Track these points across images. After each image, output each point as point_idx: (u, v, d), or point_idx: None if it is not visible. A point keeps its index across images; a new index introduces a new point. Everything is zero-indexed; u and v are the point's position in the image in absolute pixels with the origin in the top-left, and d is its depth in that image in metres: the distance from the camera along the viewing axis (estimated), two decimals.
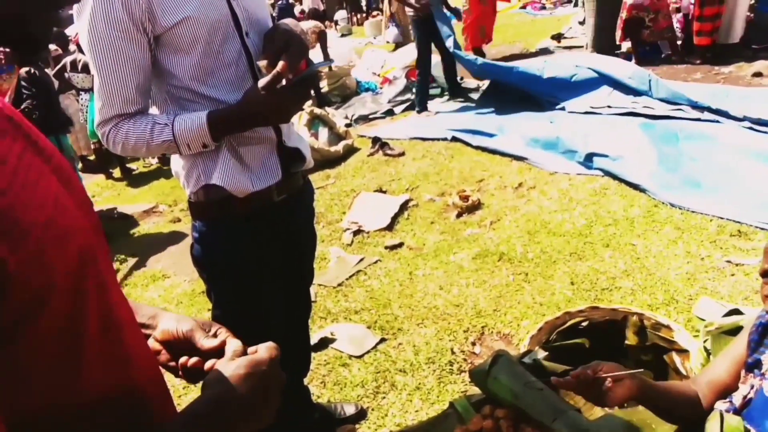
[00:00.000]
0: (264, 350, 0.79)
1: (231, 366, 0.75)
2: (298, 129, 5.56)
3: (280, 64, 1.37)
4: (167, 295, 3.53)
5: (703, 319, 2.29)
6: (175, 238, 4.53)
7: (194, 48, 1.42)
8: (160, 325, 0.90)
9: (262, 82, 1.38)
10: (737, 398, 1.35)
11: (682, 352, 1.90)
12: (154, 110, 1.54)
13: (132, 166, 7.12)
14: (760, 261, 1.22)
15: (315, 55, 7.33)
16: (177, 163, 1.61)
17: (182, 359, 0.84)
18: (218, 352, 0.84)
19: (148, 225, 5.04)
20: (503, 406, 1.53)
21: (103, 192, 6.58)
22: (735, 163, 3.64)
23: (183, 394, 2.52)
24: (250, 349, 0.81)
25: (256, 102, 1.40)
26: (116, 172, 6.97)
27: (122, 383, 0.71)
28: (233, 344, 0.82)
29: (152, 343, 0.89)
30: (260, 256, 1.64)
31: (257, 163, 1.58)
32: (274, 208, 1.64)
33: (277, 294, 1.74)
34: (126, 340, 0.74)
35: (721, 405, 1.40)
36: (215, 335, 0.91)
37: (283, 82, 1.40)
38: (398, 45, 9.69)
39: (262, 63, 1.51)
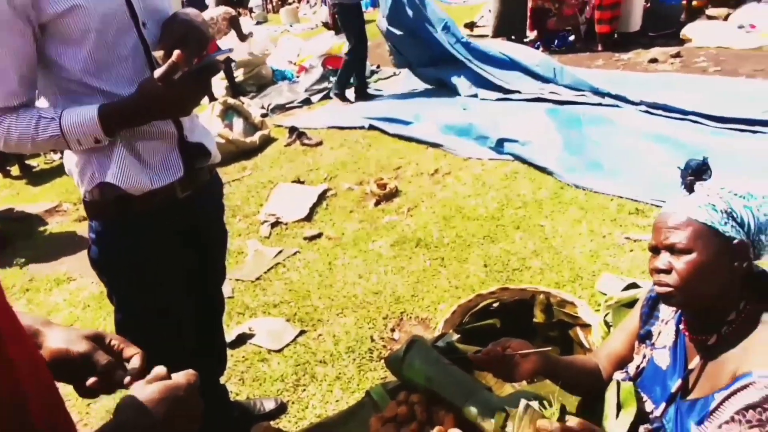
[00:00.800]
0: (182, 376, 0.78)
1: (146, 390, 0.74)
2: (211, 120, 5.38)
3: (176, 53, 1.31)
4: (73, 299, 3.34)
5: (605, 294, 2.42)
6: (81, 238, 4.29)
7: (85, 39, 1.33)
8: (48, 345, 0.86)
9: (157, 73, 1.31)
10: (632, 368, 1.44)
11: (585, 326, 2.00)
12: (44, 104, 1.44)
13: (32, 162, 6.65)
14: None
15: (230, 41, 7.11)
16: (70, 160, 1.51)
17: (89, 382, 0.83)
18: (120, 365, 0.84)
19: (51, 225, 4.74)
20: (418, 391, 1.56)
21: (1, 191, 6.12)
22: (633, 145, 3.87)
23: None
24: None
25: (151, 94, 1.33)
26: (14, 170, 6.49)
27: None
28: (156, 369, 0.80)
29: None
30: (164, 256, 1.58)
31: (157, 159, 1.50)
32: (177, 205, 1.57)
33: (186, 295, 1.68)
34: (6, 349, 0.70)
35: (618, 375, 1.49)
36: (112, 347, 0.89)
37: (181, 72, 1.34)
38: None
39: (158, 54, 1.44)
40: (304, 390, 2.40)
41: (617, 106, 4.53)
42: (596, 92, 4.76)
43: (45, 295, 3.47)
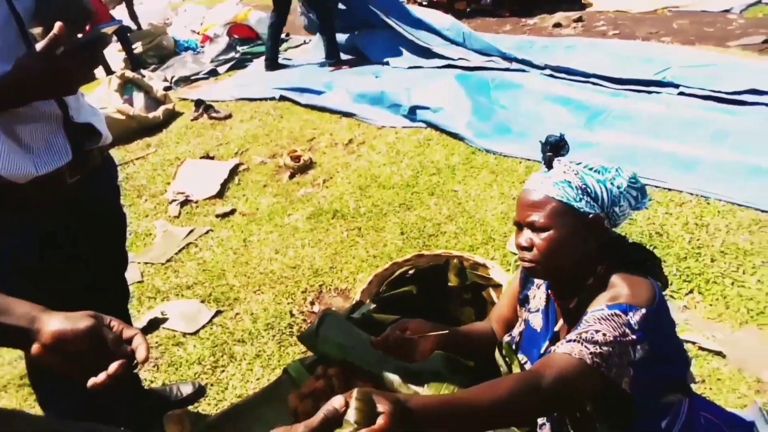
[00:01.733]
0: None
1: None
2: (109, 95, 5.04)
3: (57, 25, 1.18)
4: None
5: (515, 254, 2.50)
6: None
7: None
8: (49, 328, 0.88)
9: (38, 47, 1.18)
10: (516, 332, 1.50)
11: (498, 286, 2.06)
12: None
13: None
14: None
15: (120, 14, 6.66)
16: None
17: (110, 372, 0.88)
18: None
19: None
20: (335, 365, 1.55)
21: None
22: (539, 108, 3.98)
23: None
24: None
25: (31, 71, 1.20)
26: None
27: None
28: None
29: (35, 350, 0.87)
30: (58, 244, 1.45)
31: (40, 142, 1.37)
32: (68, 192, 1.45)
33: (86, 283, 1.57)
34: None
35: (506, 339, 1.54)
36: (111, 327, 0.94)
37: (63, 48, 1.21)
38: None
39: (36, 30, 1.30)
40: (223, 371, 2.33)
41: (524, 70, 4.64)
42: (504, 57, 4.85)
43: None
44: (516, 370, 1.42)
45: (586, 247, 1.24)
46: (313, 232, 3.20)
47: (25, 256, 1.39)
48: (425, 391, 1.35)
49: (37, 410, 2.18)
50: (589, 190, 1.20)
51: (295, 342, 2.43)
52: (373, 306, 1.78)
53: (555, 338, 1.33)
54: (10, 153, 1.31)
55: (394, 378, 1.41)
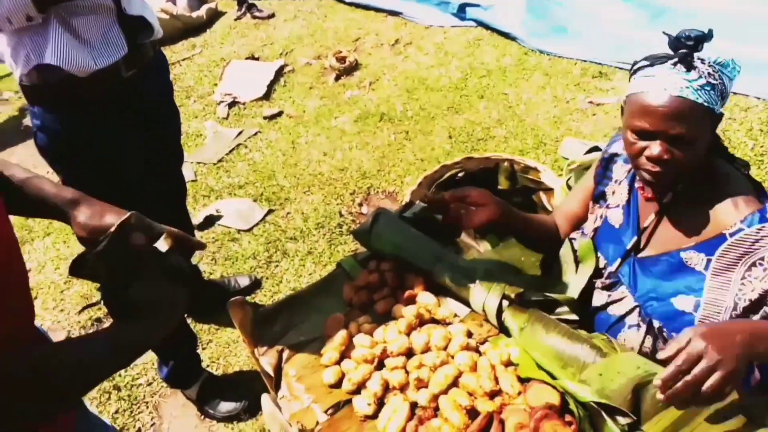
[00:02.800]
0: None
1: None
2: None
3: None
4: None
5: (567, 159, 2.46)
6: (28, 127, 4.08)
7: None
8: (77, 219, 0.91)
9: None
10: (588, 228, 1.48)
11: (548, 190, 2.05)
12: None
13: None
14: (620, 102, 1.27)
15: None
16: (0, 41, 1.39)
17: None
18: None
19: None
20: (388, 260, 1.60)
21: None
22: (597, 7, 3.75)
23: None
24: None
25: None
26: None
27: None
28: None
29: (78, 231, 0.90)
30: (117, 140, 1.51)
31: (96, 36, 1.39)
32: (124, 86, 1.48)
33: (144, 178, 1.63)
34: None
35: (574, 235, 1.54)
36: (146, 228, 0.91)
37: None
38: None
39: None
40: (277, 266, 2.45)
41: None
42: None
43: None
44: (587, 269, 1.43)
45: (709, 146, 1.18)
46: (360, 135, 3.20)
47: (86, 141, 1.45)
48: (475, 287, 1.39)
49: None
50: (723, 89, 1.13)
51: (344, 240, 2.51)
52: (423, 206, 1.80)
53: (641, 234, 1.32)
54: (70, 47, 1.34)
55: (445, 274, 1.45)
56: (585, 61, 3.27)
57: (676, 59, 1.13)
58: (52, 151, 1.47)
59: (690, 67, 1.12)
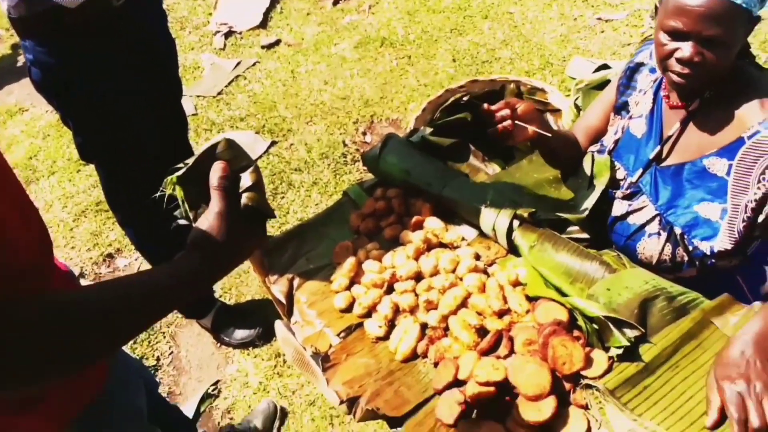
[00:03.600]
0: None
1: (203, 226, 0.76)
2: None
3: None
4: (30, 130, 3.21)
5: (575, 78, 2.40)
6: (23, 66, 3.99)
7: None
8: None
9: None
10: (608, 140, 1.46)
11: (556, 111, 2.01)
12: None
13: None
14: (655, 16, 1.21)
15: None
16: None
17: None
18: None
19: None
20: (395, 186, 1.59)
21: None
22: None
23: None
24: None
25: None
26: None
27: None
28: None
29: None
30: (112, 71, 1.47)
31: None
32: (114, 15, 1.42)
33: (145, 111, 1.60)
34: None
35: (593, 148, 1.52)
36: None
37: None
38: None
39: None
40: (283, 197, 2.45)
41: None
42: None
43: (0, 129, 3.32)
44: (599, 186, 1.42)
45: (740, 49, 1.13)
46: (362, 62, 3.12)
47: (81, 72, 1.42)
48: (485, 209, 1.39)
49: (117, 230, 2.38)
50: None
51: (349, 170, 2.50)
52: (429, 130, 1.77)
53: (664, 143, 1.30)
54: None
55: (454, 196, 1.44)
56: None
57: None
58: (47, 86, 1.44)
59: None
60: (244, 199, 0.81)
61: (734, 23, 1.06)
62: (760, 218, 1.16)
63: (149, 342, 2.05)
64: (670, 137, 1.29)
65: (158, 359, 2.01)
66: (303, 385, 1.80)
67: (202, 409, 1.85)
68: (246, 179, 0.82)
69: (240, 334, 1.95)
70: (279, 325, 1.46)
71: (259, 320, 1.95)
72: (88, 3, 1.34)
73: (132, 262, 2.35)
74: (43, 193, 2.76)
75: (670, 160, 1.31)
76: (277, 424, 1.73)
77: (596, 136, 1.50)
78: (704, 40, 1.08)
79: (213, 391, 1.89)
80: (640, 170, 1.35)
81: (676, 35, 1.12)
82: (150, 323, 0.76)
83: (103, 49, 1.41)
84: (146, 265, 2.21)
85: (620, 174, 1.43)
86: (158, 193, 0.78)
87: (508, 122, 1.32)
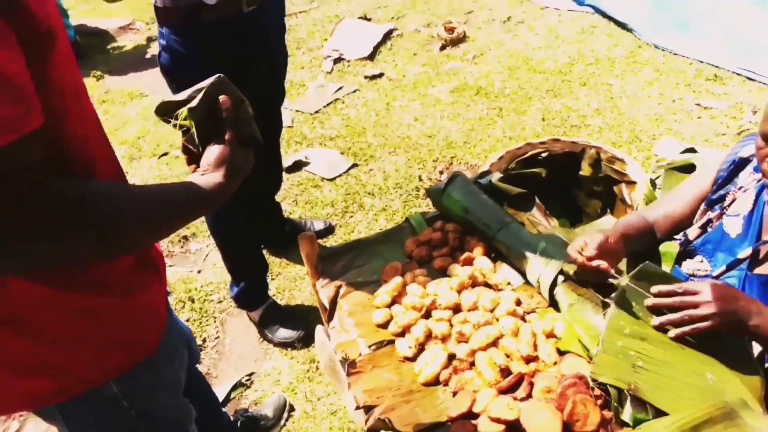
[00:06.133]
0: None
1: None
2: None
3: None
4: (145, 113, 3.53)
5: (660, 156, 2.38)
6: (154, 57, 4.41)
7: None
8: None
9: None
10: (693, 233, 1.40)
11: (631, 183, 2.00)
12: None
13: None
14: (760, 116, 1.20)
15: None
16: None
17: None
18: None
19: (123, 42, 4.86)
20: (454, 222, 1.65)
21: (77, 5, 6.22)
22: (723, 7, 3.51)
23: None
24: None
25: None
26: None
27: None
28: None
29: None
30: (230, 66, 1.63)
31: None
32: (243, 19, 1.60)
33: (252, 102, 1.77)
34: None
35: (678, 238, 1.47)
36: None
37: None
38: None
39: None
40: (352, 216, 2.56)
41: None
42: None
43: (120, 108, 3.67)
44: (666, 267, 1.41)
45: None
46: (454, 106, 3.23)
47: (205, 61, 1.59)
48: (534, 258, 1.41)
49: None
50: None
51: (419, 204, 2.58)
52: (499, 176, 1.83)
53: (759, 248, 1.26)
54: None
55: (506, 240, 1.48)
56: (702, 62, 3.10)
57: None
58: (172, 69, 1.63)
59: None
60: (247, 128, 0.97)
61: None
62: None
63: (200, 323, 2.18)
64: (765, 242, 1.25)
65: (204, 340, 2.13)
66: (329, 394, 1.85)
67: (232, 395, 1.94)
68: (246, 110, 0.98)
69: (283, 333, 2.04)
70: (319, 330, 1.54)
71: (303, 325, 2.04)
72: (223, 3, 1.52)
73: (203, 247, 2.52)
74: (142, 171, 3.01)
75: (764, 269, 1.26)
76: (285, 416, 1.82)
77: (679, 223, 1.44)
78: None
79: (246, 381, 1.98)
80: (725, 267, 1.30)
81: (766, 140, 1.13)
82: (181, 224, 0.88)
83: (228, 45, 1.60)
84: (216, 253, 2.36)
85: (702, 266, 1.37)
86: (172, 123, 0.91)
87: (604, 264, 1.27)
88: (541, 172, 2.11)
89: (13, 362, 0.86)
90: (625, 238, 1.35)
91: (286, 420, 1.83)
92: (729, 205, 1.34)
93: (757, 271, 1.26)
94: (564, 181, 2.09)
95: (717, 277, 1.31)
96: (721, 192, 1.37)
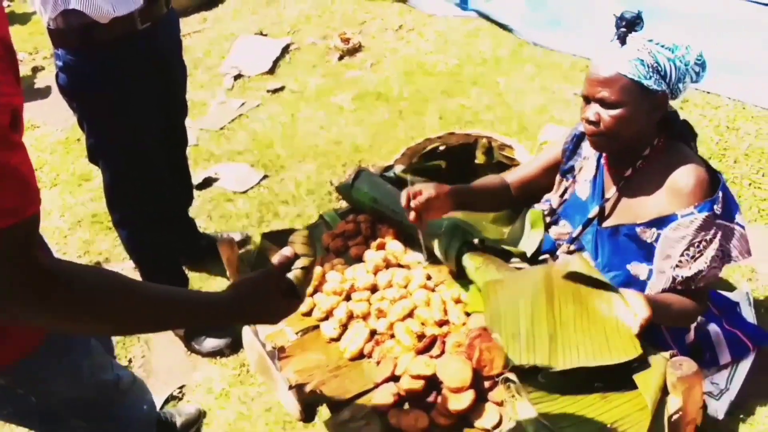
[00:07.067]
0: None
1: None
2: None
3: None
4: (39, 145, 3.40)
5: (546, 143, 2.63)
6: (41, 87, 4.24)
7: None
8: None
9: None
10: (554, 200, 1.64)
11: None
12: None
13: None
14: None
15: None
16: None
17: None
18: None
19: None
20: (364, 213, 1.77)
21: None
22: (595, 3, 3.87)
23: None
24: None
25: None
26: None
27: None
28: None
29: None
30: (129, 85, 1.68)
31: None
32: (138, 37, 1.65)
33: (153, 122, 1.81)
34: None
35: (540, 206, 1.70)
36: None
37: None
38: None
39: None
40: (268, 226, 2.62)
41: None
42: None
43: None
44: (537, 235, 1.61)
45: (649, 121, 1.33)
46: (357, 112, 3.37)
47: (103, 80, 1.63)
48: (442, 234, 1.55)
49: (108, 240, 2.54)
50: (659, 68, 1.25)
51: (333, 207, 2.68)
52: (402, 168, 1.97)
53: (604, 204, 1.47)
54: None
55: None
56: (575, 55, 3.42)
57: (615, 37, 1.30)
58: (71, 89, 1.65)
59: (623, 42, 1.28)
60: (291, 274, 1.02)
61: (624, 90, 1.26)
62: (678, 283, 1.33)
63: (123, 344, 2.16)
64: (608, 199, 1.47)
65: (130, 361, 2.12)
66: (262, 394, 1.91)
67: (165, 409, 1.94)
68: (300, 262, 1.04)
69: (210, 343, 2.08)
70: (246, 331, 1.60)
71: (230, 331, 2.08)
72: (117, 21, 1.57)
73: (120, 270, 2.49)
74: (44, 203, 2.90)
75: (609, 222, 1.48)
76: (193, 430, 1.86)
77: (531, 185, 1.67)
78: (600, 102, 1.29)
79: (178, 393, 2.00)
80: (581, 227, 1.52)
81: (585, 101, 1.34)
82: (174, 326, 0.97)
83: (125, 63, 1.64)
84: (134, 273, 2.35)
85: (565, 230, 1.60)
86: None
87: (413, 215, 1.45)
88: (440, 164, 2.29)
89: None
90: (459, 192, 1.53)
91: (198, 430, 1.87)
92: (578, 173, 1.57)
93: (605, 225, 1.48)
94: (462, 171, 2.27)
95: (576, 237, 1.53)
96: (571, 163, 1.59)
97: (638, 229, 1.39)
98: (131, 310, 0.82)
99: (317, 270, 1.57)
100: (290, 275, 1.02)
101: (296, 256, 1.02)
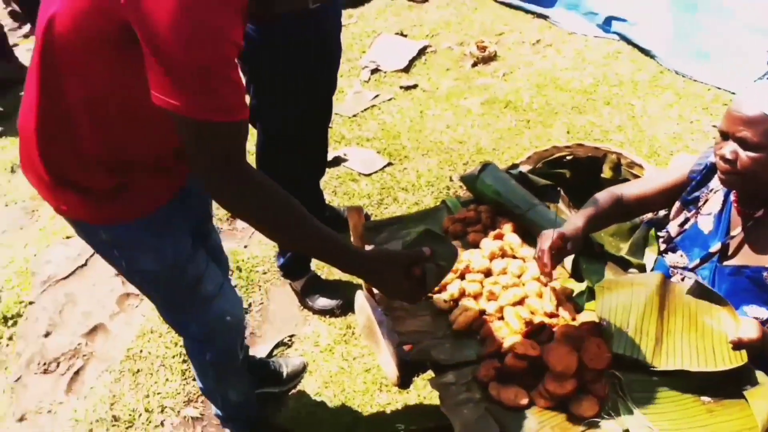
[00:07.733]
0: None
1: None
2: None
3: None
4: None
5: None
6: None
7: None
8: None
9: None
10: (674, 229, 1.61)
11: None
12: None
13: None
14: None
15: None
16: None
17: None
18: None
19: None
20: (486, 204, 1.86)
21: None
22: (741, 37, 3.70)
23: None
24: None
25: None
26: None
27: None
28: None
29: None
30: (293, 56, 1.88)
31: None
32: (309, 15, 1.84)
33: (309, 92, 2.01)
34: None
35: (661, 234, 1.68)
36: None
37: None
38: None
39: None
40: (386, 208, 2.77)
41: None
42: None
43: None
44: (652, 255, 1.62)
45: None
46: (484, 117, 3.45)
47: (269, 56, 1.83)
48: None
49: None
50: None
51: None
52: (528, 168, 2.03)
53: (728, 242, 1.43)
54: None
55: (534, 218, 1.68)
56: (719, 88, 3.30)
57: (765, 75, 1.28)
58: (246, 55, 1.86)
59: None
60: (423, 265, 1.20)
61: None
62: None
63: (246, 290, 2.39)
64: (733, 237, 1.43)
65: (250, 305, 2.34)
66: (364, 355, 2.05)
67: (275, 353, 2.14)
68: (440, 258, 1.22)
69: (322, 301, 2.25)
70: (359, 294, 1.74)
71: (342, 295, 2.24)
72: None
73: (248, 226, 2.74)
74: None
75: (732, 261, 1.43)
76: (296, 381, 2.03)
77: (645, 200, 1.64)
78: (739, 141, 1.25)
79: (288, 341, 2.19)
80: (698, 260, 1.49)
81: (722, 135, 1.31)
82: (318, 255, 1.23)
83: (294, 37, 1.83)
84: None
85: (682, 260, 1.56)
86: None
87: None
88: (565, 172, 2.32)
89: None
90: (589, 229, 1.53)
91: (295, 384, 2.02)
92: (702, 205, 1.52)
93: (726, 263, 1.44)
94: (586, 183, 2.28)
95: (693, 269, 1.50)
96: (696, 194, 1.54)
97: (765, 273, 1.36)
98: (292, 228, 1.15)
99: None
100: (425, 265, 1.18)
101: (432, 255, 1.19)
